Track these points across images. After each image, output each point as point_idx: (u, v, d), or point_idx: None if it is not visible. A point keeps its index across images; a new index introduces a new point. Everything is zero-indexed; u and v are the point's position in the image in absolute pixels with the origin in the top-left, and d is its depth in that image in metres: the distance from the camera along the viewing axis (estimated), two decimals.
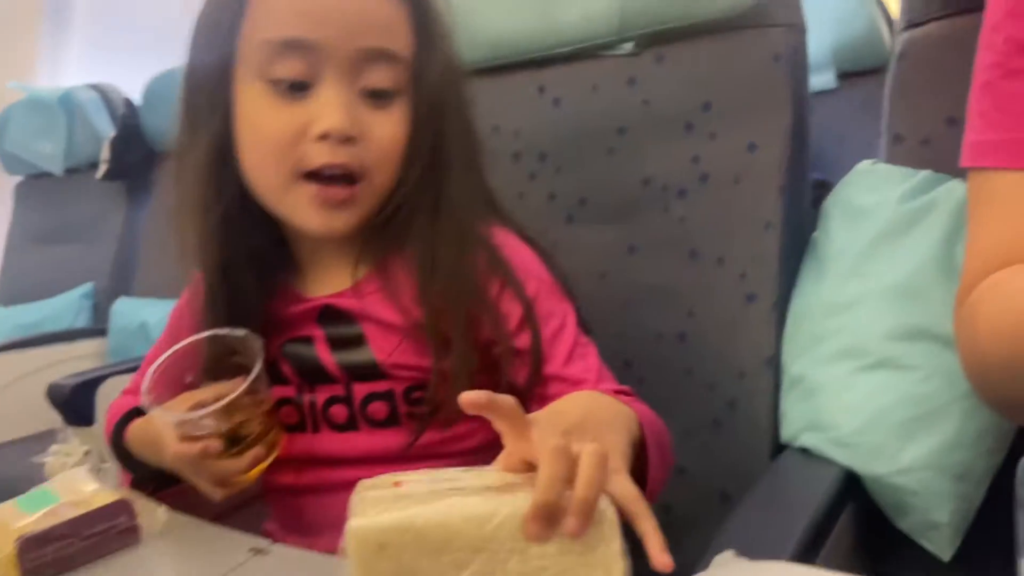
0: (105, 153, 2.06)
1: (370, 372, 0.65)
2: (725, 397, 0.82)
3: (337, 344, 0.67)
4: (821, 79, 1.72)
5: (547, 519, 0.37)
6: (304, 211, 0.62)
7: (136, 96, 2.11)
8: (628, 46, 0.93)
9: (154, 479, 0.70)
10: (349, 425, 0.67)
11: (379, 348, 0.65)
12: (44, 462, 1.54)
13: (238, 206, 0.65)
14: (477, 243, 0.65)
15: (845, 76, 1.70)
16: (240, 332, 0.64)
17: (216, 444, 0.60)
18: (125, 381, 1.43)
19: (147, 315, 1.89)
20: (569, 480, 0.38)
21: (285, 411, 0.69)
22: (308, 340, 0.68)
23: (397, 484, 0.44)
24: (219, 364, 0.64)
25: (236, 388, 0.60)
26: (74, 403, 1.35)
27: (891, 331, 0.69)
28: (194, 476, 0.64)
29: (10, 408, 1.82)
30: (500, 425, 0.42)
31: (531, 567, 0.39)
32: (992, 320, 0.52)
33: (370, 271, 0.67)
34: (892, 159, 0.82)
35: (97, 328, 2.01)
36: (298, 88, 0.60)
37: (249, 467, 0.62)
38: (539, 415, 0.49)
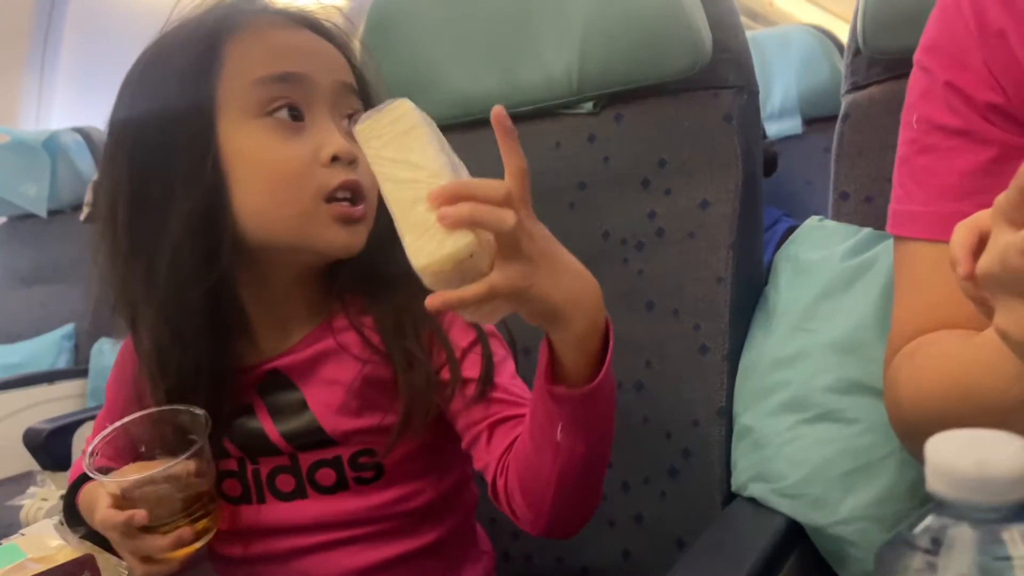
0: (89, 196, 2.09)
1: (315, 439, 0.67)
2: (680, 445, 0.85)
3: (278, 413, 0.68)
4: (788, 124, 1.78)
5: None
6: (330, 231, 0.64)
7: None
8: (587, 105, 0.97)
9: (101, 543, 0.69)
10: (296, 493, 0.68)
11: (320, 414, 0.66)
12: (21, 504, 1.54)
13: (221, 267, 0.63)
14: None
15: (810, 122, 1.75)
16: (187, 409, 0.65)
17: (141, 515, 0.61)
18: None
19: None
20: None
21: (228, 484, 0.70)
22: (249, 411, 0.68)
23: None
24: (170, 439, 0.65)
25: (177, 463, 0.61)
26: (50, 448, 1.37)
27: (832, 385, 0.72)
28: (120, 548, 0.65)
29: None
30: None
31: None
32: (909, 388, 0.55)
33: (315, 327, 0.68)
34: (838, 216, 0.86)
35: (78, 369, 2.02)
36: (297, 119, 0.64)
37: (172, 547, 0.63)
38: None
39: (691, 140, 0.91)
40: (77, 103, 2.66)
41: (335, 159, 0.63)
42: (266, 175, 0.63)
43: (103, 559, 0.66)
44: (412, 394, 0.65)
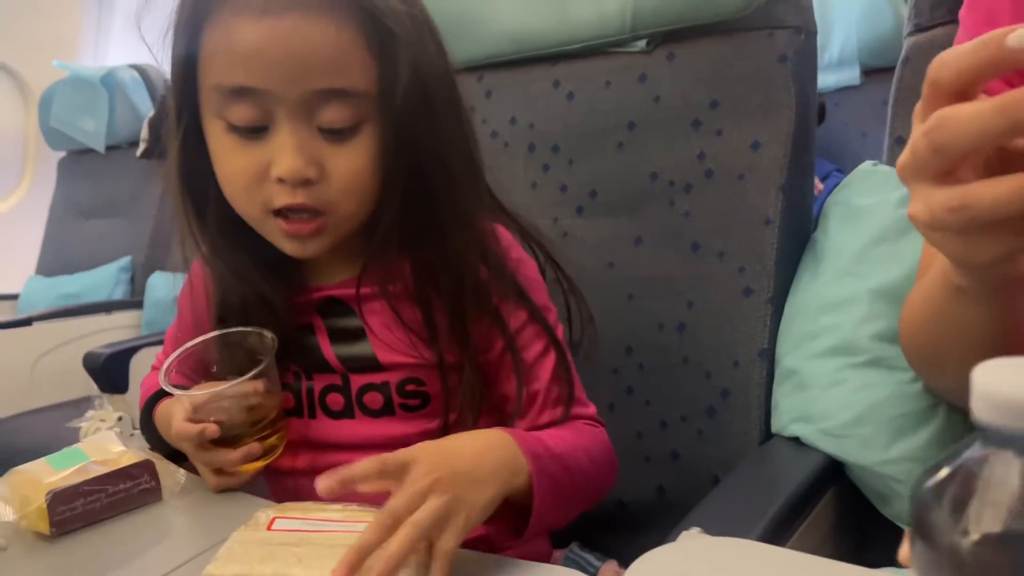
0: (144, 132, 2.13)
1: (367, 365, 0.69)
2: (720, 386, 0.85)
3: (337, 336, 0.70)
4: (847, 75, 1.73)
5: (350, 571, 0.48)
6: (279, 241, 0.65)
7: None
8: (640, 44, 0.96)
9: (173, 457, 0.74)
10: (345, 413, 0.70)
11: (377, 343, 0.68)
12: (80, 426, 1.62)
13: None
14: (475, 250, 0.67)
15: (870, 73, 1.71)
16: (256, 331, 0.67)
17: (213, 428, 0.64)
18: (157, 352, 1.51)
19: (179, 289, 1.96)
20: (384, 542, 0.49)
21: (284, 396, 0.72)
22: (310, 329, 0.71)
23: (271, 523, 0.56)
24: (239, 359, 0.67)
25: (247, 382, 0.64)
26: (108, 371, 1.42)
27: (882, 332, 0.72)
28: (194, 460, 0.69)
29: (51, 374, 1.91)
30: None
31: None
32: (902, 325, 0.57)
33: (371, 266, 0.69)
34: (893, 161, 0.85)
35: (134, 300, 2.09)
36: (255, 130, 0.61)
37: (241, 460, 0.66)
38: (426, 449, 0.55)
39: (745, 81, 0.89)
40: (133, 41, 2.69)
41: (282, 180, 0.61)
42: (221, 176, 0.64)
43: (162, 465, 0.69)
44: (437, 373, 0.67)
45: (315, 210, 0.62)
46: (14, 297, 2.35)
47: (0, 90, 2.59)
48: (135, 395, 1.48)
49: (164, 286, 2.01)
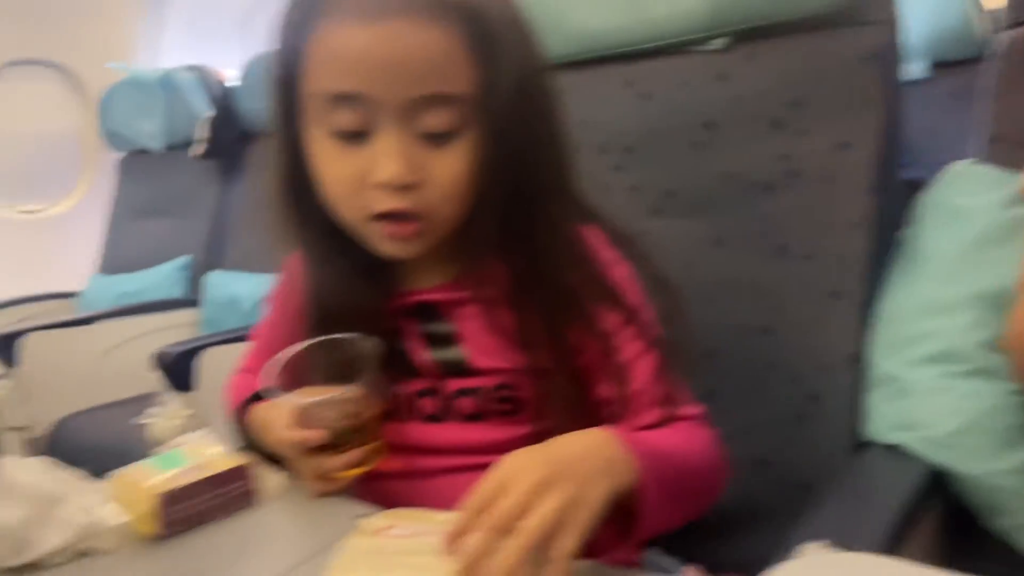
0: (201, 132, 2.16)
1: (461, 369, 0.68)
2: (808, 391, 0.84)
3: (430, 340, 0.70)
4: (913, 69, 1.69)
5: None
6: (379, 244, 0.66)
7: (231, 78, 2.20)
8: (719, 42, 0.94)
9: (266, 461, 0.74)
10: (438, 417, 0.70)
11: (471, 347, 0.68)
12: (146, 424, 1.65)
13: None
14: (569, 254, 0.67)
15: (937, 66, 1.67)
16: (359, 337, 0.67)
17: (319, 435, 0.64)
18: (223, 351, 1.53)
19: (237, 288, 1.99)
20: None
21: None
22: (403, 333, 0.71)
23: (385, 529, 0.56)
24: (338, 364, 0.67)
25: (353, 390, 0.64)
26: (177, 369, 1.44)
27: (988, 341, 0.70)
28: (296, 466, 0.69)
29: (113, 371, 1.94)
30: None
31: None
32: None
33: (466, 270, 0.69)
34: (990, 159, 0.82)
35: (192, 299, 2.12)
36: (357, 136, 0.61)
37: (344, 467, 0.66)
38: (527, 452, 0.53)
39: (831, 79, 0.87)
40: (188, 43, 2.73)
41: (382, 185, 0.61)
42: (324, 182, 0.65)
43: (259, 468, 0.70)
44: (530, 379, 0.66)
45: (415, 214, 0.63)
46: (75, 295, 2.40)
47: (59, 92, 2.64)
48: (202, 394, 1.51)
49: (222, 285, 2.04)
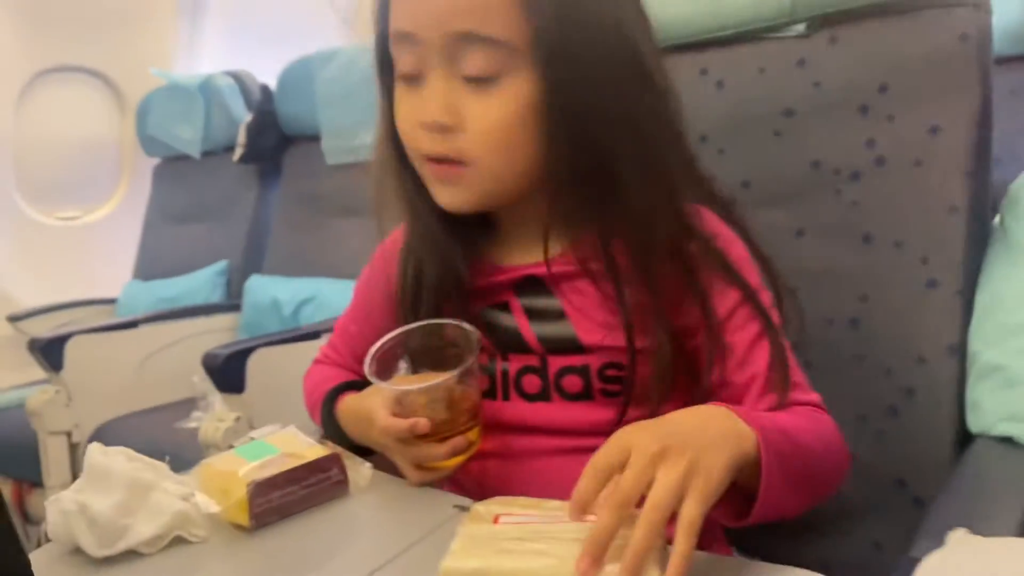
0: (241, 137, 2.16)
1: (568, 346, 0.66)
2: (902, 384, 0.80)
3: (535, 315, 0.68)
4: None
5: (594, 562, 0.46)
6: (431, 186, 0.66)
7: (269, 82, 2.20)
8: (799, 27, 0.92)
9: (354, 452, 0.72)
10: (541, 396, 0.68)
11: (577, 323, 0.66)
12: (194, 427, 1.63)
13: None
14: (673, 225, 0.64)
15: (997, 61, 1.63)
16: (458, 324, 0.65)
17: (424, 423, 0.62)
18: (273, 352, 1.51)
19: (277, 292, 1.98)
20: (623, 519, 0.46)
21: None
22: (506, 308, 0.69)
23: (496, 519, 0.53)
24: (438, 351, 0.66)
25: (452, 377, 0.62)
26: (227, 371, 1.43)
27: None
28: (396, 455, 0.67)
29: (155, 375, 1.94)
30: None
31: None
32: None
33: (565, 247, 0.67)
34: None
35: (232, 303, 2.11)
36: (415, 79, 0.64)
37: (447, 455, 0.64)
38: (641, 425, 0.51)
39: (920, 62, 0.85)
40: (225, 49, 2.74)
41: (425, 127, 0.63)
42: (398, 125, 0.67)
43: (347, 458, 0.67)
44: (638, 359, 0.64)
45: (457, 159, 0.63)
46: (112, 301, 2.40)
47: (97, 99, 2.65)
48: (252, 395, 1.49)
49: (261, 289, 2.03)
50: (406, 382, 0.64)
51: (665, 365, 0.63)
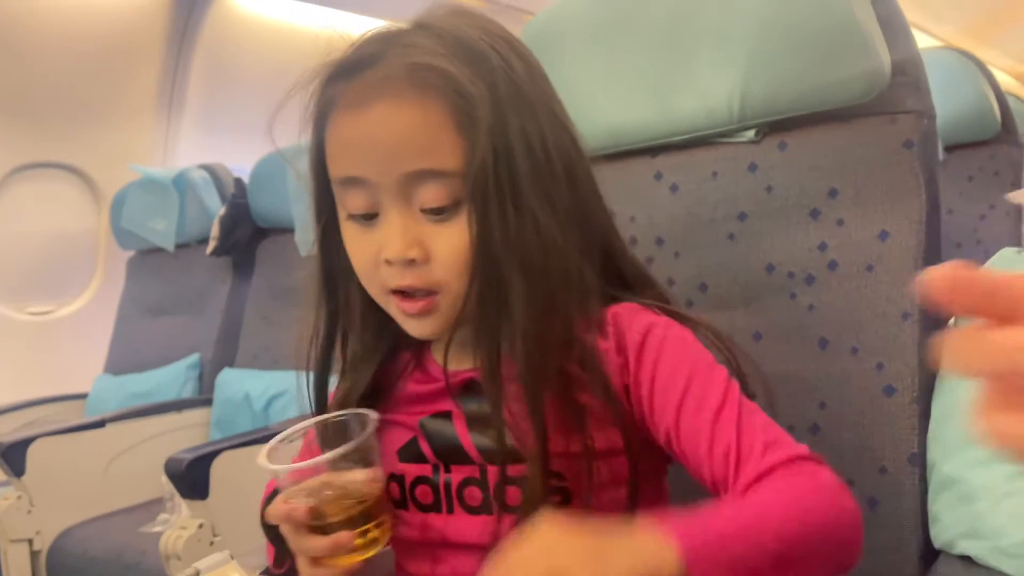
0: (214, 231, 2.16)
1: (505, 455, 0.64)
2: (865, 495, 0.79)
3: (474, 422, 0.67)
4: None
5: None
6: (399, 320, 0.67)
7: (242, 174, 2.22)
8: (749, 134, 0.93)
9: (291, 555, 0.68)
10: (483, 508, 0.66)
11: (512, 429, 0.64)
12: (159, 531, 1.58)
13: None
14: (557, 338, 0.64)
15: (951, 149, 1.67)
16: (356, 413, 0.65)
17: (300, 510, 0.60)
18: (237, 455, 1.47)
19: (248, 386, 1.95)
20: None
21: (421, 490, 0.68)
22: (448, 417, 0.68)
23: None
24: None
25: (321, 460, 0.60)
26: (190, 476, 1.39)
27: None
28: (292, 544, 0.64)
29: (123, 475, 1.89)
30: None
31: None
32: None
33: (483, 348, 0.66)
34: None
35: (203, 398, 2.08)
36: (368, 217, 0.64)
37: (328, 549, 0.61)
38: (538, 549, 0.48)
39: (866, 168, 0.86)
40: (200, 143, 2.77)
41: (389, 263, 0.63)
42: (352, 262, 0.67)
43: None
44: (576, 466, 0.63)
45: (426, 289, 0.63)
46: (83, 396, 2.36)
47: (73, 194, 2.66)
48: (216, 501, 1.45)
49: (234, 383, 2.00)
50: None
51: (535, 487, 0.61)
